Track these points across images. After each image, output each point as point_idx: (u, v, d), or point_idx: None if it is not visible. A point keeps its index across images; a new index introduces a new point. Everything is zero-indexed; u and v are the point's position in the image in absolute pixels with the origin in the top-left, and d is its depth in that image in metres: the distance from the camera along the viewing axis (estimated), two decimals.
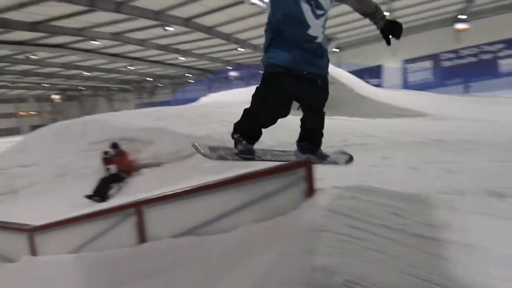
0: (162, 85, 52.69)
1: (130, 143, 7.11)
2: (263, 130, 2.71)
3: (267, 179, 2.47)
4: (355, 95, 8.94)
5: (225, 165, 5.75)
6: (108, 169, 6.89)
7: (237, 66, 37.46)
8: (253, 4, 17.49)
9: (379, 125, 7.48)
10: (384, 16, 2.45)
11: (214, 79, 41.28)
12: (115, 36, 24.23)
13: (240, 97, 12.20)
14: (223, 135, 6.70)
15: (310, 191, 2.42)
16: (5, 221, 3.24)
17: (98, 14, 18.24)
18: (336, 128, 7.08)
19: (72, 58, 30.99)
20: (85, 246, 2.87)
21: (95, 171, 7.02)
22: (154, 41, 27.22)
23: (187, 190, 2.80)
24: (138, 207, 2.79)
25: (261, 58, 2.57)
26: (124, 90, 56.86)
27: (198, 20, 22.09)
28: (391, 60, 29.82)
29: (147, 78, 48.46)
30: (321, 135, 2.93)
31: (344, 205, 2.15)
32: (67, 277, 2.60)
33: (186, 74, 46.11)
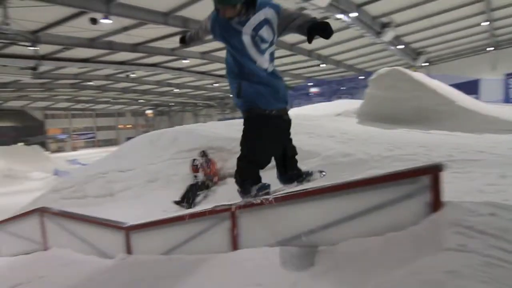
0: None
1: (217, 152, 7.22)
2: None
3: (382, 187, 2.12)
4: (457, 107, 8.04)
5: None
6: (195, 176, 7.06)
7: (318, 82, 37.05)
8: (338, 19, 17.14)
9: (489, 141, 6.55)
10: (315, 18, 2.40)
11: (295, 95, 41.26)
12: (203, 55, 25.64)
13: (323, 111, 11.86)
14: (310, 146, 6.43)
15: (436, 203, 2.01)
16: (104, 218, 3.36)
17: None
18: (436, 143, 6.38)
19: (164, 76, 33.60)
20: (177, 249, 2.81)
21: (183, 178, 7.24)
22: None
23: (286, 196, 2.58)
24: (232, 211, 2.65)
25: (236, 103, 2.79)
26: (208, 106, 60.01)
27: (282, 38, 22.38)
28: (490, 74, 26.92)
29: (230, 95, 50.51)
30: (296, 161, 3.10)
31: (483, 223, 1.73)
32: (159, 279, 2.54)
33: None
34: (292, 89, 40.63)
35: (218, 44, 22.67)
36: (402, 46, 25.14)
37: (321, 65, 30.05)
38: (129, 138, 62.22)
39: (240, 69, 2.57)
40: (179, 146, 7.64)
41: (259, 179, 2.81)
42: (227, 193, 6.38)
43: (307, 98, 35.43)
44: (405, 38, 24.38)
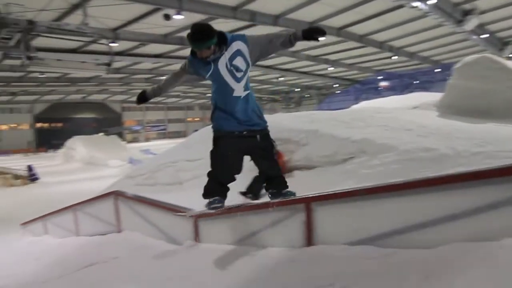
0: (309, 95, 53.74)
1: (284, 144, 6.98)
2: None
3: (491, 183, 1.74)
4: None
5: (389, 170, 5.02)
6: None
7: (388, 75, 35.06)
8: (414, 7, 15.88)
9: None
10: (295, 32, 2.64)
11: (362, 89, 39.51)
12: None
13: (397, 104, 11.05)
14: (385, 139, 5.94)
15: None
16: (174, 204, 3.34)
17: (256, 28, 19.41)
18: None
19: None
20: (247, 239, 2.67)
21: (250, 169, 7.13)
22: (306, 52, 27.73)
23: (370, 189, 2.30)
24: (308, 203, 2.43)
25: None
26: (273, 100, 60.22)
27: (351, 29, 21.47)
28: None
29: (295, 89, 50.14)
30: (282, 177, 3.29)
31: None
32: (227, 270, 2.43)
33: (334, 85, 45.86)
34: (358, 83, 39.01)
35: None
36: (487, 35, 22.69)
37: (392, 58, 28.33)
38: (196, 130, 64.47)
39: (218, 96, 2.94)
40: None
41: (216, 193, 3.13)
42: (294, 186, 6.15)
43: (375, 93, 33.70)
44: (490, 26, 21.97)
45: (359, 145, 5.87)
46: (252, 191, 6.71)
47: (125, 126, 61.20)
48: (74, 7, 14.74)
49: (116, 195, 4.08)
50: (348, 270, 1.99)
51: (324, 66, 32.29)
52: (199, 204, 7.35)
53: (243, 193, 6.74)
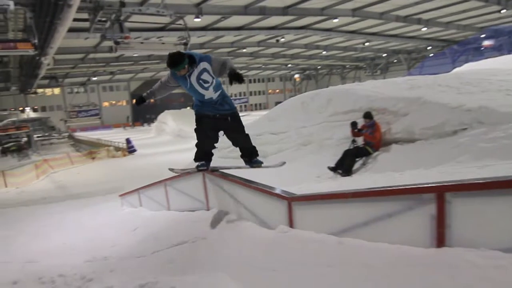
0: (396, 61, 49.63)
1: (379, 114, 6.28)
2: None
3: None
4: None
5: None
6: (354, 141, 6.31)
7: (495, 32, 30.35)
8: None
9: None
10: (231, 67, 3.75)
11: (460, 50, 35.00)
12: (355, 12, 23.80)
13: None
14: (508, 107, 4.91)
15: None
16: (265, 185, 3.04)
17: None
18: None
19: (313, 38, 32.91)
20: (351, 231, 2.25)
21: (339, 142, 6.63)
22: (394, 13, 25.23)
23: None
24: (440, 192, 1.89)
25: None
26: (357, 67, 57.02)
27: None
28: None
29: (382, 54, 46.60)
30: (252, 148, 4.38)
31: None
32: (332, 268, 2.07)
33: (427, 47, 41.51)
34: (456, 43, 34.64)
35: None
36: None
37: (502, 11, 24.31)
38: (277, 103, 64.72)
39: (195, 97, 4.00)
40: (335, 108, 6.97)
41: (203, 158, 4.14)
42: (391, 162, 5.49)
43: (477, 54, 29.61)
44: None
45: (475, 115, 4.95)
46: (342, 166, 6.21)
47: None
48: None
49: (204, 172, 3.95)
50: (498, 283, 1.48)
51: (417, 26, 29.16)
52: (284, 179, 7.08)
53: (333, 168, 6.28)
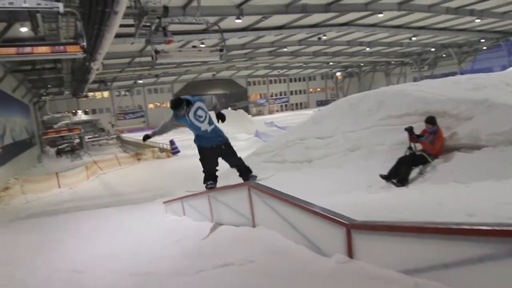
0: (445, 55, 46.92)
1: (438, 118, 5.72)
2: None
3: None
4: None
5: None
6: (410, 147, 5.75)
7: None
8: None
9: None
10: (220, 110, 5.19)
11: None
12: (401, 5, 22.68)
13: None
14: None
15: None
16: (320, 207, 2.72)
17: None
18: None
19: (356, 35, 31.87)
20: (430, 271, 1.87)
21: (391, 148, 6.14)
22: (444, 5, 23.75)
23: None
24: None
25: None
26: (402, 63, 54.67)
27: None
28: None
29: (430, 49, 44.23)
30: (246, 167, 5.39)
31: None
32: None
33: (480, 40, 38.81)
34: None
35: None
36: None
37: None
38: (319, 101, 64.26)
39: (193, 131, 5.10)
40: (387, 111, 6.47)
41: (210, 179, 5.19)
42: (452, 171, 4.96)
43: None
44: None
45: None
46: (397, 175, 5.73)
47: (251, 100, 63.88)
48: None
49: (249, 186, 3.71)
50: None
51: (469, 18, 27.28)
52: (331, 186, 6.69)
53: (385, 177, 5.80)
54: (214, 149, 4.97)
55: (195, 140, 5.15)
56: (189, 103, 4.78)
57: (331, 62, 48.20)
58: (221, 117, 4.98)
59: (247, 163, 5.46)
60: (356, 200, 4.66)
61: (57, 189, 15.90)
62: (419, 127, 5.66)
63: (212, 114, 5.06)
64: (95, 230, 7.11)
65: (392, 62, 54.85)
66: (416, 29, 30.52)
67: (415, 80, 54.97)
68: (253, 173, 5.24)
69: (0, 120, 19.08)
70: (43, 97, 33.38)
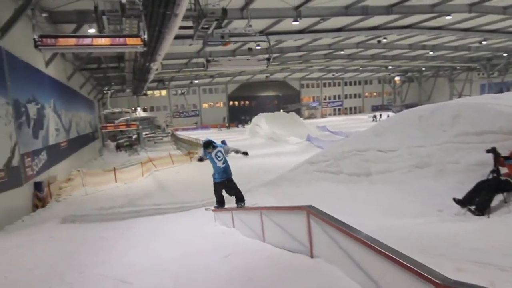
0: None
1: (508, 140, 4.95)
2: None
3: None
4: None
5: None
6: (494, 171, 4.96)
7: None
8: None
9: None
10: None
11: None
12: (473, 7, 20.98)
13: None
14: None
15: None
16: (403, 255, 2.22)
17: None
18: None
19: (419, 38, 30.17)
20: None
21: (467, 169, 5.42)
22: None
23: None
24: None
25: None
26: (469, 69, 50.90)
27: None
28: None
29: (502, 54, 40.63)
30: (241, 197, 7.22)
31: None
32: None
33: None
34: None
35: None
36: None
37: None
38: (374, 106, 62.05)
39: (212, 166, 7.12)
40: (464, 126, 5.74)
41: (220, 203, 7.49)
42: None
43: None
44: None
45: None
46: (475, 201, 4.99)
47: (303, 103, 63.12)
48: None
49: (308, 211, 3.31)
50: None
51: None
52: (392, 203, 6.08)
53: (460, 202, 5.07)
54: (222, 183, 7.12)
55: (212, 176, 7.21)
56: (214, 147, 6.99)
57: (390, 65, 46.07)
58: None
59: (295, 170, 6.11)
60: (427, 228, 4.11)
61: (114, 184, 16.59)
62: (504, 147, 4.89)
63: (232, 155, 7.33)
64: (145, 234, 7.13)
65: (457, 67, 51.33)
66: (487, 32, 28.23)
67: (482, 87, 50.93)
68: (243, 203, 7.14)
69: (67, 114, 20.35)
70: (105, 92, 35.19)
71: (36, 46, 7.69)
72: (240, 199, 7.10)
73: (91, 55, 22.03)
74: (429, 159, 6.16)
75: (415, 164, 6.42)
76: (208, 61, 14.15)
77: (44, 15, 13.40)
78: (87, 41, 8.14)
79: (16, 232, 8.62)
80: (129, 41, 8.53)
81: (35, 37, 7.57)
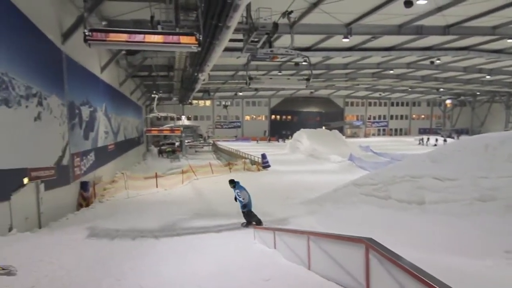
0: None
1: None
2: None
3: None
4: None
5: None
6: None
7: None
8: None
9: None
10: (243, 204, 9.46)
11: None
12: None
13: None
14: None
15: None
16: None
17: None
18: None
19: (476, 60, 28.68)
20: None
21: None
22: None
23: None
24: None
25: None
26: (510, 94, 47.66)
27: None
28: None
29: None
30: (248, 222, 9.14)
31: None
32: None
33: None
34: None
35: None
36: None
37: None
38: (422, 129, 59.39)
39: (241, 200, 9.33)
40: None
41: (247, 224, 9.10)
42: None
43: None
44: None
45: None
46: None
47: (346, 121, 61.86)
48: (312, 6, 14.99)
49: (368, 245, 2.94)
50: None
51: None
52: (445, 237, 5.52)
53: None
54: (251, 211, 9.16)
55: (246, 204, 9.16)
56: (235, 186, 9.39)
57: (442, 88, 44.07)
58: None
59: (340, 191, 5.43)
60: (498, 274, 3.60)
61: (154, 189, 16.87)
62: None
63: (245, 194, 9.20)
64: (180, 247, 6.98)
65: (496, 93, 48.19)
66: None
67: None
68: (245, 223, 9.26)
69: (116, 118, 21.18)
70: (153, 96, 36.20)
71: (85, 41, 7.12)
72: (248, 222, 9.15)
73: (143, 63, 22.89)
74: (495, 192, 5.57)
75: (478, 196, 5.83)
76: (250, 78, 14.37)
77: (103, 23, 14.07)
78: (139, 37, 7.44)
79: (59, 229, 8.86)
80: (183, 39, 7.64)
81: (85, 31, 7.07)
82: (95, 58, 16.43)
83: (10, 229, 7.47)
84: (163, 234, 8.32)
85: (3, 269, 4.47)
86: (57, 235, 7.72)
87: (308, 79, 15.58)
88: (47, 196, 9.59)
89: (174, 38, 7.70)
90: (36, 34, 9.35)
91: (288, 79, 21.61)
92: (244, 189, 9.23)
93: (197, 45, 7.94)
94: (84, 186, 13.03)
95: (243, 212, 9.12)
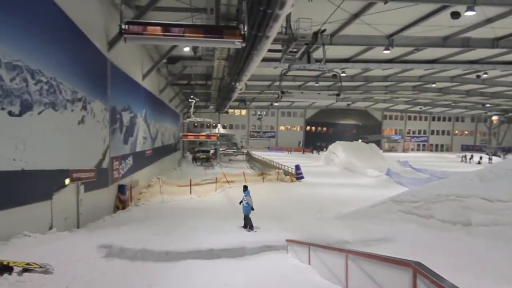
0: None
1: None
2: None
3: None
4: None
5: None
6: None
7: None
8: None
9: None
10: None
11: None
12: None
13: None
14: None
15: None
16: None
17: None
18: None
19: None
20: None
21: None
22: None
23: None
24: None
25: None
26: None
27: None
28: None
29: None
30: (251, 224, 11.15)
31: None
32: None
33: None
34: None
35: None
36: None
37: None
38: (464, 146, 56.56)
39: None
40: None
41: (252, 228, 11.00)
42: None
43: None
44: None
45: None
46: None
47: (384, 135, 60.16)
48: (353, 17, 14.75)
49: (416, 270, 2.69)
50: None
51: None
52: (496, 263, 5.09)
53: None
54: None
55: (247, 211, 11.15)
56: (245, 190, 11.52)
57: (488, 103, 41.85)
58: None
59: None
60: None
61: (188, 195, 17.08)
62: None
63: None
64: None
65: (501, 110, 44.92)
66: None
67: None
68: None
69: (155, 125, 21.76)
70: (190, 101, 36.68)
71: (121, 34, 6.89)
72: (250, 226, 10.88)
73: (183, 72, 23.46)
74: None
75: None
76: (282, 92, 14.51)
77: None
78: (178, 31, 6.91)
79: (97, 230, 9.08)
80: (227, 33, 6.91)
81: (121, 24, 6.78)
82: (138, 66, 17.03)
83: (50, 228, 7.75)
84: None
85: (41, 267, 4.60)
86: (96, 237, 7.88)
87: (338, 94, 15.36)
88: (86, 198, 9.91)
89: (217, 33, 7.04)
90: (84, 41, 9.79)
91: (318, 93, 21.74)
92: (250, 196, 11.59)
93: (241, 41, 7.23)
94: (121, 189, 13.40)
95: (245, 215, 11.10)
